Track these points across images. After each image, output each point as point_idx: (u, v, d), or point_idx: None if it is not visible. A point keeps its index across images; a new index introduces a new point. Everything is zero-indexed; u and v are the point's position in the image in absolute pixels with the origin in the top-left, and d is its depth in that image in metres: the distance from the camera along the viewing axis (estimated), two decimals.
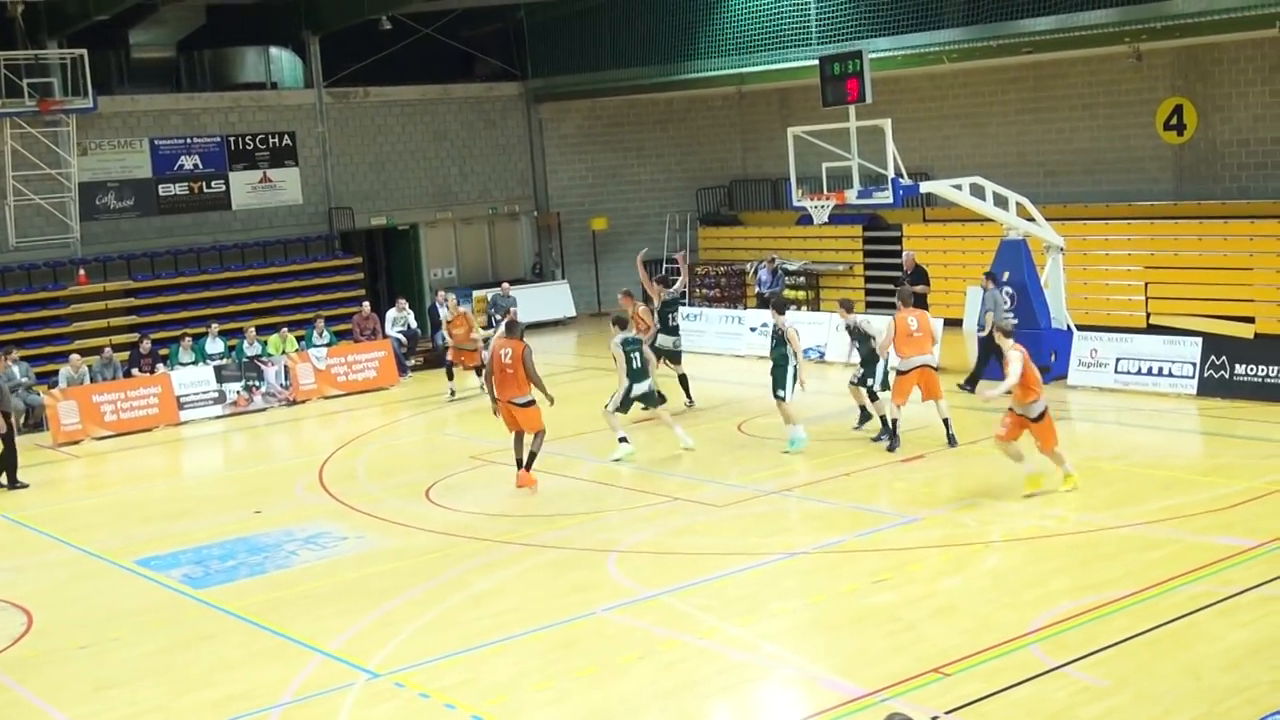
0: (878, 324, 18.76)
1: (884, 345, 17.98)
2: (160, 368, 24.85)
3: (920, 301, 24.51)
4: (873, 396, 18.28)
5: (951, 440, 17.54)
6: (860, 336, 18.37)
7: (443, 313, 25.20)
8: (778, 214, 33.00)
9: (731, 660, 10.79)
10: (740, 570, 13.07)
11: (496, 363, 16.73)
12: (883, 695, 9.79)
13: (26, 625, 13.08)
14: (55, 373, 24.31)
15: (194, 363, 25.07)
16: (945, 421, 17.67)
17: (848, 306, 18.98)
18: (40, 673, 11.61)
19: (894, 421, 17.60)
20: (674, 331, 21.31)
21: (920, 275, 24.86)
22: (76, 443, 22.45)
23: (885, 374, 18.17)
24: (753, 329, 26.18)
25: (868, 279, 29.98)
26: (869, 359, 18.23)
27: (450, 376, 24.30)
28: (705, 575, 12.92)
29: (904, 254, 26.00)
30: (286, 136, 31.29)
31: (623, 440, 18.03)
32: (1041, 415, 14.71)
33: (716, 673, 10.57)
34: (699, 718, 9.94)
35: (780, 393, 17.77)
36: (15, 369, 23.79)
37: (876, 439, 17.95)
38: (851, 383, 18.53)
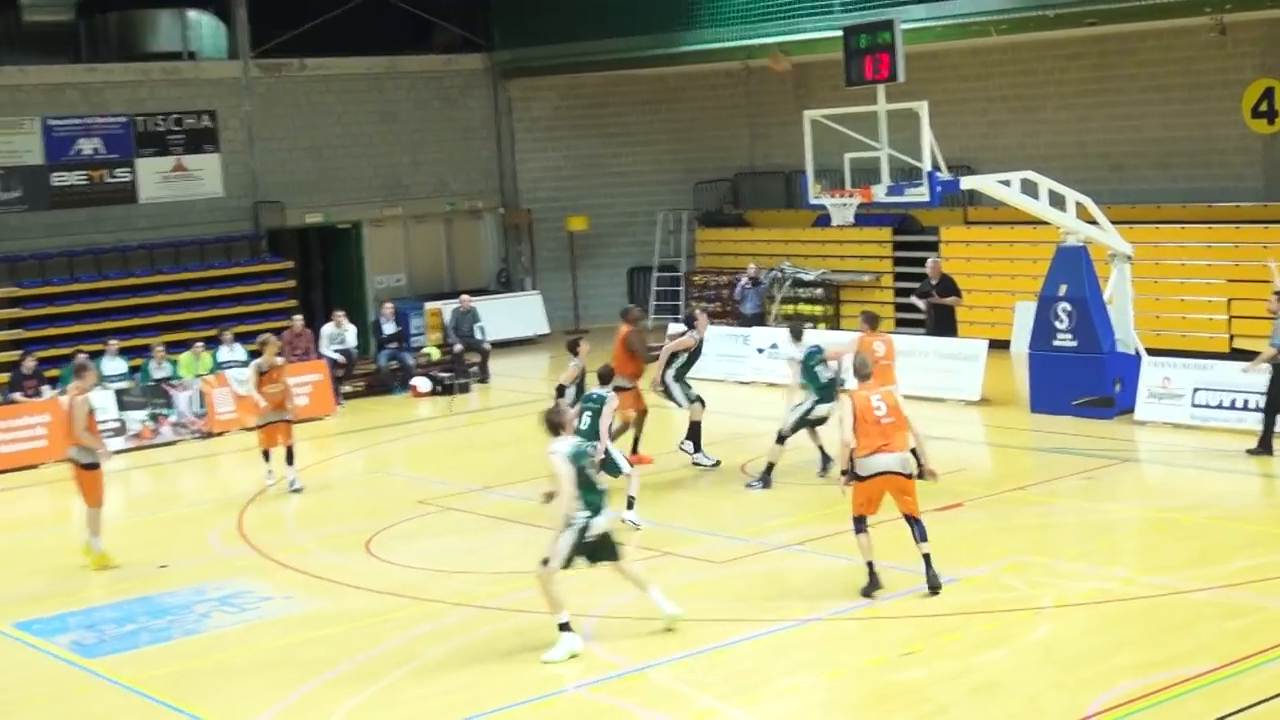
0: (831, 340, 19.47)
1: (839, 354, 18.45)
2: (47, 391, 24.76)
3: (948, 317, 24.71)
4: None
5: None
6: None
7: (246, 375, 21.20)
8: (791, 213, 33.00)
9: None
10: (743, 640, 13.02)
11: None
12: None
13: None
14: None
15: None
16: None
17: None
18: None
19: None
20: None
21: (949, 286, 24.87)
22: None
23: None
24: (760, 350, 26.16)
25: (898, 291, 29.95)
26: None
27: (267, 456, 20.45)
28: (701, 645, 12.86)
29: (929, 260, 25.95)
30: (205, 116, 31.30)
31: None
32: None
33: None
34: None
35: None
36: None
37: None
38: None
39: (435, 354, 29.57)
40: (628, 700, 11.75)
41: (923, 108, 20.55)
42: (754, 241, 33.29)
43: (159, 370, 25.50)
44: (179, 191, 31.10)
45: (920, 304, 25.18)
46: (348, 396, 27.40)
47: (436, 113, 33.87)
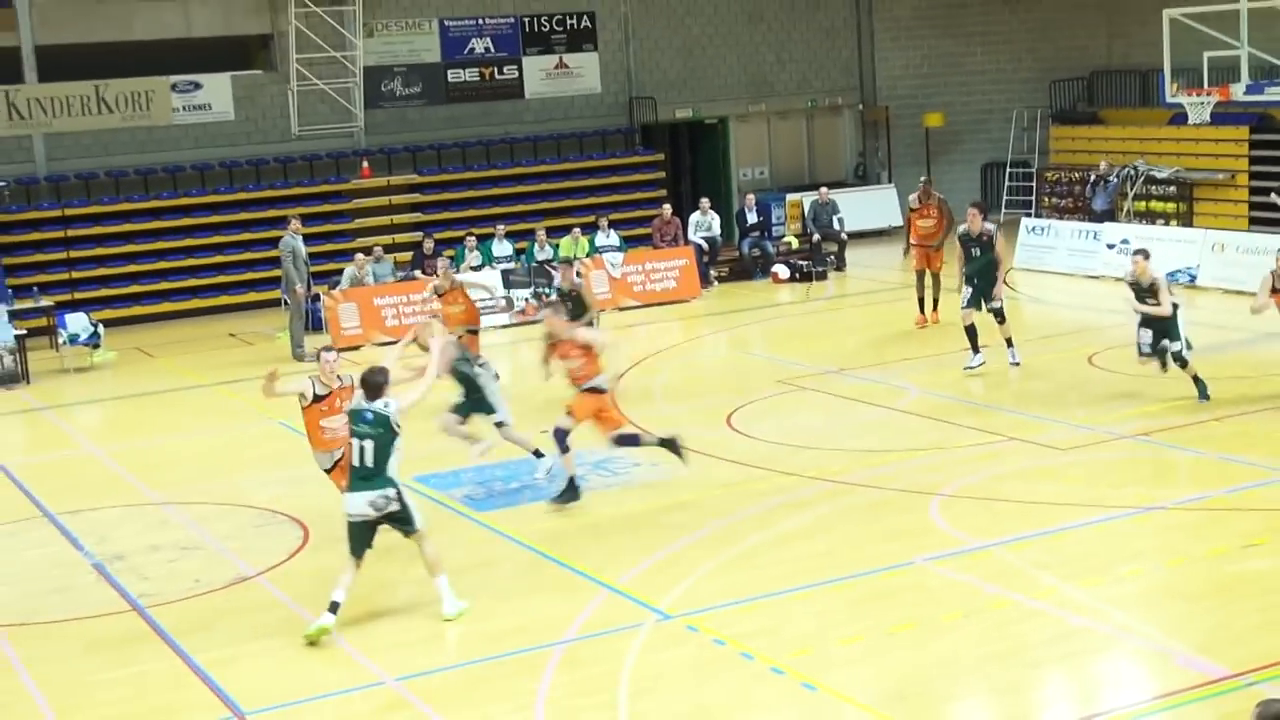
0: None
1: (1260, 306, 16.35)
2: None
3: None
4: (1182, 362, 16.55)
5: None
6: (1142, 294, 16.57)
7: (434, 279, 20.11)
8: (1146, 111, 31.86)
9: (1070, 626, 10.65)
10: (1085, 524, 12.82)
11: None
12: (1250, 678, 9.50)
13: (302, 540, 13.93)
14: (336, 272, 25.52)
15: (480, 266, 25.95)
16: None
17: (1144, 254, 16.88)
18: (316, 590, 12.26)
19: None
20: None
21: None
22: (356, 348, 23.54)
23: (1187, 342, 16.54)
24: (1110, 246, 25.47)
25: (1253, 190, 28.64)
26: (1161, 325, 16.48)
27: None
28: (1044, 528, 12.74)
29: None
30: (586, 17, 31.81)
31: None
32: None
33: (1052, 639, 10.45)
34: (1030, 688, 9.87)
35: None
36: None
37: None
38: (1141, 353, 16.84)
39: (794, 243, 29.65)
40: (971, 575, 11.72)
41: None
42: (1107, 139, 32.23)
43: (542, 253, 26.26)
44: (560, 88, 31.77)
45: (1279, 200, 24.09)
46: (716, 280, 27.79)
47: (801, 13, 33.62)
